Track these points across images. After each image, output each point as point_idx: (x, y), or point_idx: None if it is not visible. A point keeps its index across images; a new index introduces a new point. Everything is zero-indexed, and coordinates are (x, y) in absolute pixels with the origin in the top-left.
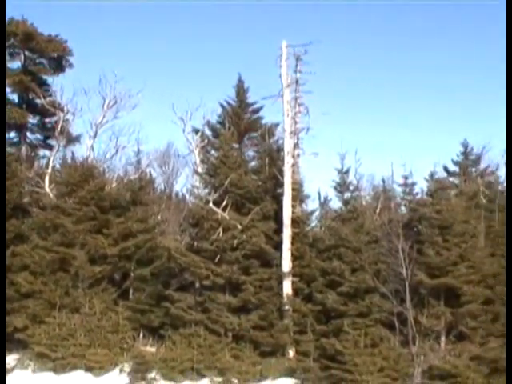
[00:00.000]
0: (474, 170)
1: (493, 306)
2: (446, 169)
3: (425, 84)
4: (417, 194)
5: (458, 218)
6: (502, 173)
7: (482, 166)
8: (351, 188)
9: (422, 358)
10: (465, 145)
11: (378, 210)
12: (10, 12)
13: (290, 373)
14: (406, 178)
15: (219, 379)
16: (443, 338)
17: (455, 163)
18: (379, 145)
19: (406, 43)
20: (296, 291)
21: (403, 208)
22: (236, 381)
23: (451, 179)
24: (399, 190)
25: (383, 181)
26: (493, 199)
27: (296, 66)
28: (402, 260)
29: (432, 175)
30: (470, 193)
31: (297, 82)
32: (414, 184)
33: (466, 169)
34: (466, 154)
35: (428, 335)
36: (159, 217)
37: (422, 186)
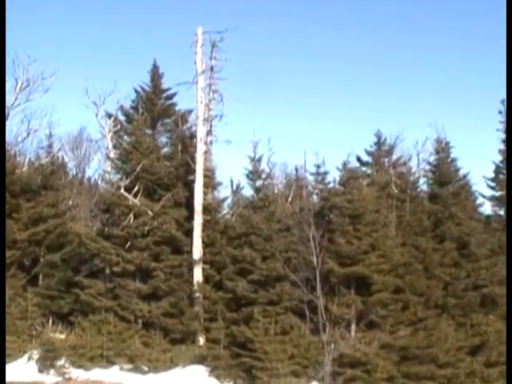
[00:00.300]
0: (386, 160)
1: (403, 295)
2: (358, 159)
3: (339, 74)
4: (329, 183)
5: (369, 208)
6: (414, 163)
7: (395, 156)
8: (263, 176)
9: (332, 345)
10: (378, 135)
11: (289, 199)
12: None
13: (201, 360)
14: (318, 166)
15: (129, 366)
16: (353, 326)
17: (368, 153)
18: (293, 133)
19: (321, 33)
20: (207, 278)
21: (315, 197)
22: (146, 368)
23: (364, 169)
24: (311, 178)
25: (296, 169)
26: (404, 189)
27: (211, 52)
28: (313, 248)
29: (345, 165)
30: (381, 183)
31: (212, 68)
32: (326, 173)
33: (378, 159)
34: (379, 144)
35: (338, 323)
36: (70, 202)
37: (334, 176)
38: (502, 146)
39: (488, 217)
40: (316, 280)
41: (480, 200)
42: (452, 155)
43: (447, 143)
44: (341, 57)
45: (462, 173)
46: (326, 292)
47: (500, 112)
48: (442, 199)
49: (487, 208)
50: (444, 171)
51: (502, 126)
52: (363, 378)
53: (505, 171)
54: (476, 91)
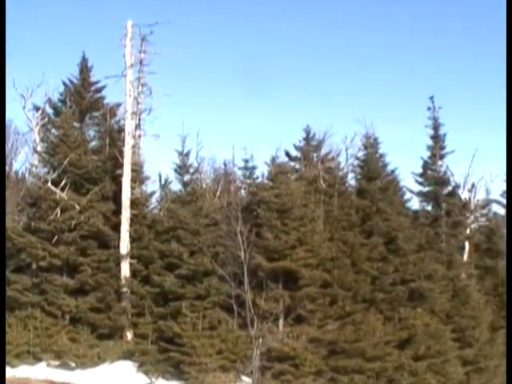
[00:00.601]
0: (315, 155)
1: (330, 289)
2: (287, 153)
3: (269, 68)
4: (257, 177)
5: (297, 202)
6: (343, 158)
7: (323, 151)
8: (191, 170)
9: (260, 340)
10: (307, 130)
11: (218, 193)
12: None
13: (128, 356)
14: (246, 161)
15: (56, 362)
16: (281, 321)
17: (297, 148)
18: (222, 128)
19: (251, 28)
20: (134, 273)
21: (243, 192)
22: (73, 364)
23: (292, 164)
24: (240, 173)
25: (224, 164)
26: (332, 184)
27: (141, 46)
28: (241, 243)
29: (273, 159)
30: (309, 178)
31: (141, 62)
32: (254, 168)
33: (307, 154)
34: (308, 139)
35: (266, 318)
36: None
37: (263, 170)
38: (431, 142)
39: (416, 212)
40: (244, 275)
41: (408, 195)
42: (380, 151)
43: (375, 139)
44: (270, 50)
45: (390, 168)
46: (253, 287)
47: (429, 108)
48: (370, 194)
49: (415, 203)
50: (372, 166)
51: (431, 123)
52: (291, 372)
53: (433, 167)
54: (405, 87)
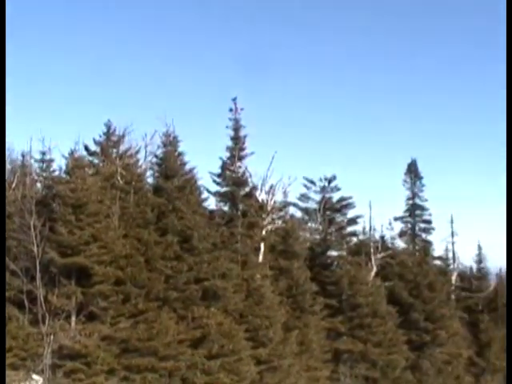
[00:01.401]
0: (114, 151)
1: (124, 287)
2: (86, 148)
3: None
4: (54, 171)
5: (92, 198)
6: (142, 155)
7: (123, 147)
8: None
9: (52, 337)
10: (108, 125)
11: (13, 185)
12: None
13: None
14: (43, 153)
15: None
16: (74, 318)
17: (97, 143)
18: (20, 118)
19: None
20: None
21: (39, 185)
22: None
23: (91, 158)
24: (36, 166)
25: (22, 155)
26: (129, 181)
27: None
28: (34, 237)
29: (72, 153)
30: (107, 173)
31: None
32: (51, 160)
33: (107, 149)
34: (108, 134)
35: (59, 314)
36: None
37: (60, 164)
38: (231, 143)
39: (212, 212)
40: (36, 270)
41: (205, 195)
42: (180, 149)
43: (175, 137)
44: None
45: (188, 167)
46: (46, 282)
47: (230, 110)
48: (167, 192)
49: (212, 203)
50: (170, 165)
51: (231, 124)
52: (83, 370)
53: (232, 168)
54: (205, 88)
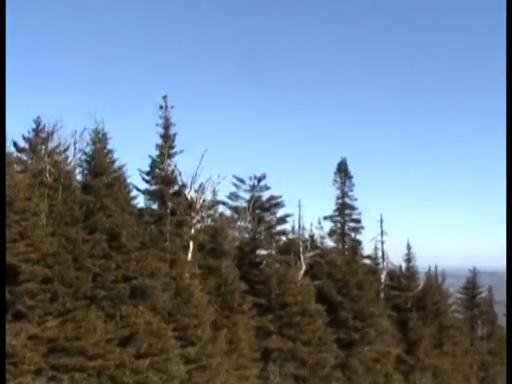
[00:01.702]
0: (43, 147)
1: (51, 285)
2: (15, 144)
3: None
4: None
5: (20, 195)
6: (71, 152)
7: (52, 144)
8: None
9: None
10: (37, 122)
11: None
12: None
13: None
14: None
15: None
16: None
17: (25, 139)
18: None
19: None
20: None
21: None
22: None
23: (20, 155)
24: None
25: None
26: (58, 178)
27: None
28: None
29: None
30: (35, 170)
31: None
32: None
33: (35, 146)
34: (37, 131)
35: None
36: None
37: None
38: (160, 141)
39: (141, 210)
40: None
41: (134, 193)
42: (109, 147)
43: (104, 134)
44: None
45: (117, 164)
46: None
47: (161, 107)
48: (95, 190)
49: (141, 201)
50: (98, 162)
51: (162, 122)
52: (10, 370)
53: (161, 166)
54: (137, 86)
